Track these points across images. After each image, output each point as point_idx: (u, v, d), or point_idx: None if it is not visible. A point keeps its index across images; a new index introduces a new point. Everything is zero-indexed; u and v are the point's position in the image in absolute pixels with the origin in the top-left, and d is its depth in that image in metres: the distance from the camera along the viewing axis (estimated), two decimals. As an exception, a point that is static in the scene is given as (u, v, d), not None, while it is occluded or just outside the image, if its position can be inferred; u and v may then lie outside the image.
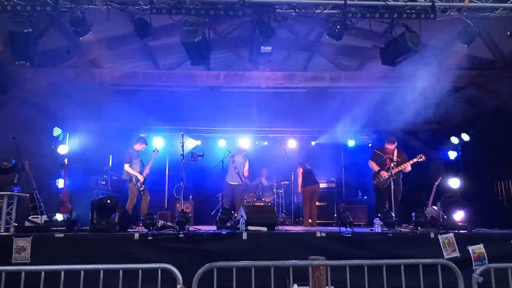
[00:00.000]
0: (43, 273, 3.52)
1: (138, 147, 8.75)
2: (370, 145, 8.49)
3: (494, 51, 7.33)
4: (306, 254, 4.53)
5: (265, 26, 6.15)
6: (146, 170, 8.63)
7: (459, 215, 7.21)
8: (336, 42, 6.52)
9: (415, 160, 7.86)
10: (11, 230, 6.28)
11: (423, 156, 7.87)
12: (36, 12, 5.58)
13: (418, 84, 8.24)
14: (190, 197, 11.24)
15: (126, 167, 8.40)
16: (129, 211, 8.01)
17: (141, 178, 8.42)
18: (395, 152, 8.14)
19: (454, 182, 8.53)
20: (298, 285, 4.77)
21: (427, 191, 8.71)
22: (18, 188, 6.57)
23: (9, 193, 6.29)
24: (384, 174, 7.99)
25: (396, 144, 8.26)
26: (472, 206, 8.04)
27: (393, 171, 7.83)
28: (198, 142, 12.18)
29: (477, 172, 9.15)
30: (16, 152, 7.10)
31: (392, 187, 7.53)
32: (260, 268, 3.73)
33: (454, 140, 8.64)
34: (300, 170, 9.92)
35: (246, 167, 9.94)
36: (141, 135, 11.52)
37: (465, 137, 8.47)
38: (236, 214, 7.84)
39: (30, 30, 5.60)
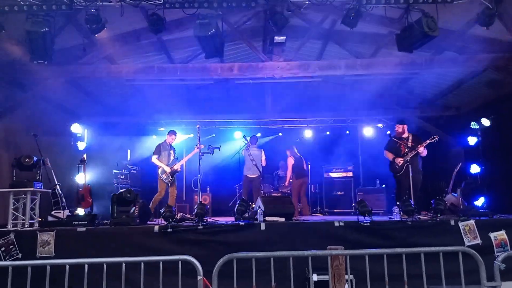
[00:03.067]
0: (67, 266, 3.61)
1: (168, 139, 8.96)
2: (388, 133, 8.38)
3: (514, 33, 7.12)
4: (324, 243, 4.53)
5: (278, 16, 6.11)
6: (178, 163, 8.80)
7: (479, 202, 7.11)
8: (351, 30, 6.44)
9: (428, 141, 7.68)
10: (35, 225, 6.45)
11: (436, 137, 7.70)
12: (52, 11, 5.66)
13: (436, 69, 8.09)
14: (208, 189, 11.34)
15: (153, 158, 8.67)
16: (155, 203, 8.13)
17: (167, 169, 8.54)
18: (410, 137, 8.03)
19: (474, 168, 8.38)
20: (317, 275, 4.80)
21: (446, 178, 8.58)
22: (40, 184, 6.73)
23: (32, 189, 6.45)
24: (399, 160, 7.89)
25: (405, 125, 8.16)
26: (493, 192, 7.91)
27: (408, 156, 7.75)
28: (213, 135, 12.24)
29: (498, 157, 8.97)
30: (37, 149, 7.27)
31: (411, 174, 7.43)
32: (279, 258, 3.75)
33: (474, 125, 8.47)
34: (291, 160, 9.83)
35: (263, 158, 9.92)
36: (160, 129, 11.66)
37: (485, 122, 8.28)
38: (253, 205, 7.88)
39: (46, 29, 5.71)
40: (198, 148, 8.42)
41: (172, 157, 8.82)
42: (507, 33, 7.05)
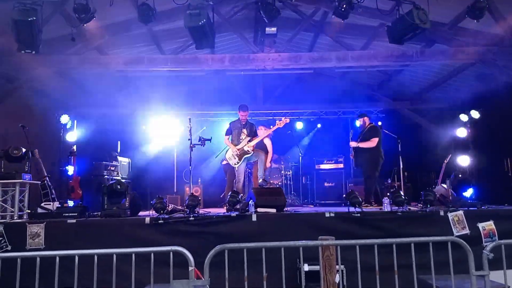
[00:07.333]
0: (57, 258, 3.59)
1: (240, 116, 8.06)
2: (379, 124, 8.53)
3: (504, 27, 7.16)
4: (315, 234, 4.55)
5: (269, 7, 6.09)
6: (252, 142, 7.86)
7: (468, 193, 7.19)
8: (342, 21, 6.43)
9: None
10: (25, 217, 6.39)
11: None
12: (39, -1, 5.57)
13: (426, 62, 8.14)
14: (199, 180, 11.29)
15: (224, 139, 8.07)
16: (239, 191, 7.47)
17: (233, 149, 7.83)
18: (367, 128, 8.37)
19: (464, 160, 8.47)
20: (308, 265, 4.82)
21: (436, 169, 8.66)
22: (29, 176, 6.66)
23: (21, 181, 6.38)
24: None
25: (366, 117, 8.49)
26: (481, 183, 8.01)
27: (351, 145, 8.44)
28: (204, 128, 12.16)
29: (486, 149, 9.07)
30: (26, 140, 7.18)
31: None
32: (271, 249, 3.76)
33: (463, 117, 8.55)
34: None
35: None
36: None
37: (475, 114, 8.36)
38: (244, 196, 7.87)
39: (34, 18, 5.61)
40: (281, 122, 7.85)
41: (244, 136, 7.94)
42: (496, 26, 7.11)
